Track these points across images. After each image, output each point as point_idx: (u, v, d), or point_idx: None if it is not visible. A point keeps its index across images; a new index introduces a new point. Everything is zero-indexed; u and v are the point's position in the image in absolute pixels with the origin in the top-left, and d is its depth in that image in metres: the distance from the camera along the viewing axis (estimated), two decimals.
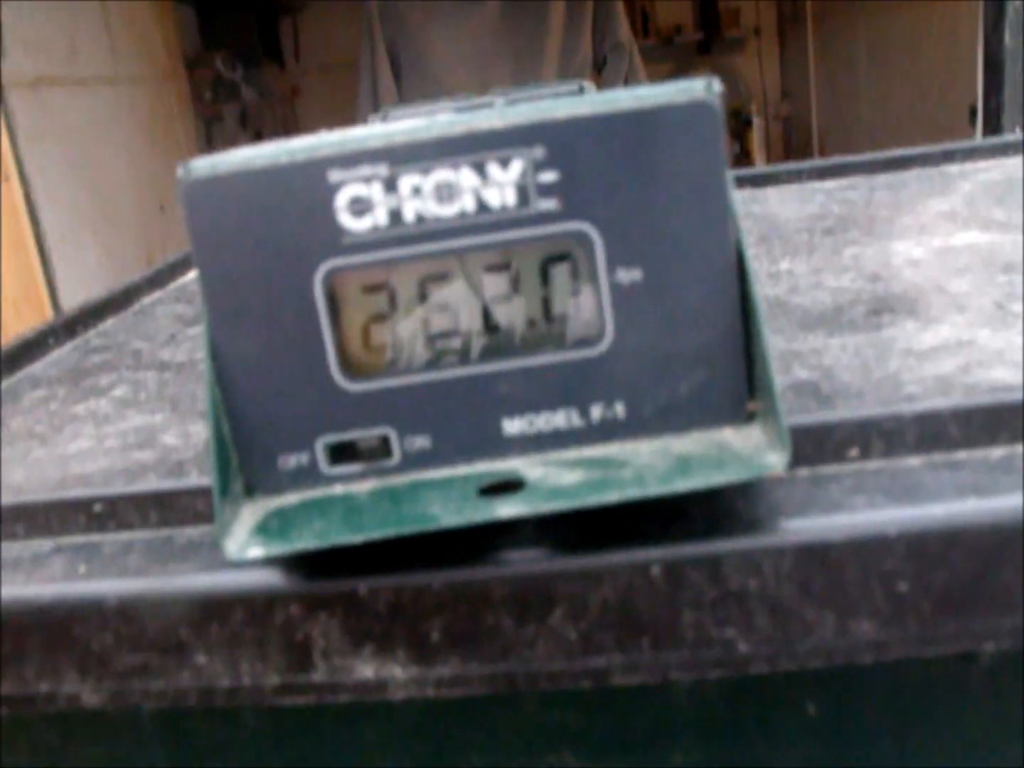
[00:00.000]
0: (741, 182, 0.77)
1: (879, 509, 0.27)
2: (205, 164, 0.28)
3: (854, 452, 0.30)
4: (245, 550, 0.27)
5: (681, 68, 4.36)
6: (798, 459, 0.29)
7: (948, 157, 0.75)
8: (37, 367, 0.56)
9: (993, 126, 1.51)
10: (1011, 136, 0.87)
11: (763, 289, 0.48)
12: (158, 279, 0.73)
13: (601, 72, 3.00)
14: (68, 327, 0.61)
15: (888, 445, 0.30)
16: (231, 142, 3.23)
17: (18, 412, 0.48)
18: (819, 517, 0.27)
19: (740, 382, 0.29)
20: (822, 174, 0.76)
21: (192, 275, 0.74)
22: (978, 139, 1.17)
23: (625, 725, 0.32)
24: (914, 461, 0.29)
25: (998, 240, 0.51)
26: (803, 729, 0.31)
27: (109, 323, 0.65)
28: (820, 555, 0.26)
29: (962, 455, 0.29)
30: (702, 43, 4.35)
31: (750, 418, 0.29)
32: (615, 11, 2.96)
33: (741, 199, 0.70)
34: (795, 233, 0.60)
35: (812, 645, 0.27)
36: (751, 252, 0.32)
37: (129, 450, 0.40)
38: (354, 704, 0.29)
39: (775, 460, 0.27)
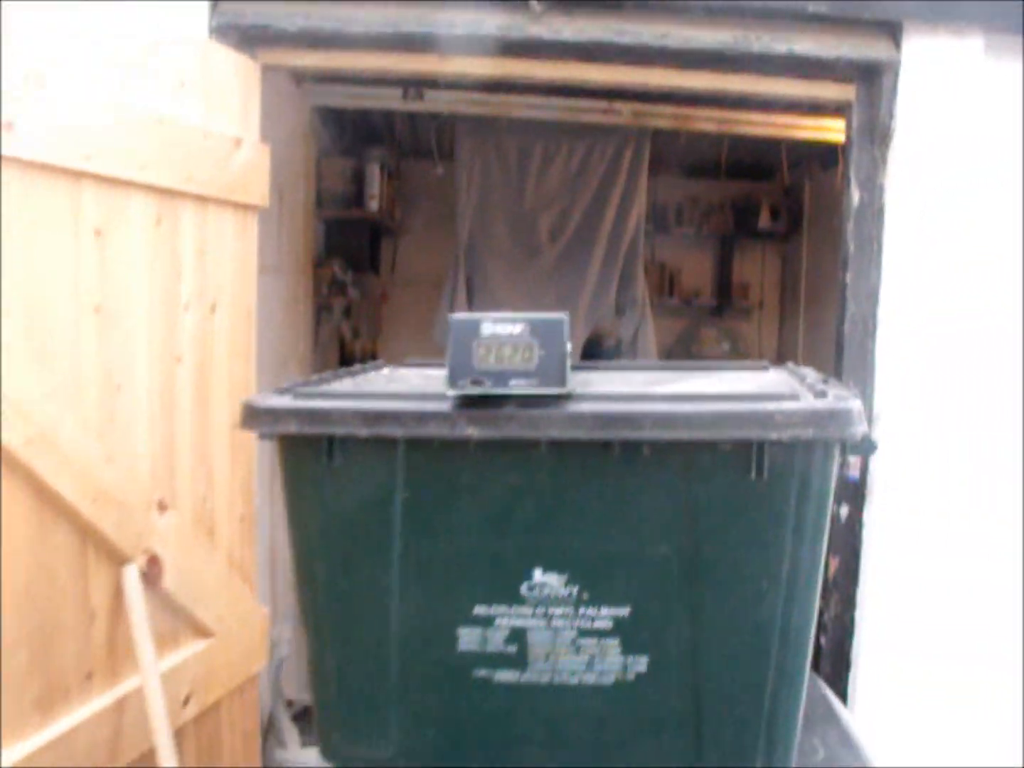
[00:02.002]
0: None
1: None
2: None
3: None
4: None
5: (695, 326, 5.64)
6: None
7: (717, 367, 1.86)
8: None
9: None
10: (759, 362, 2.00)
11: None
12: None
13: (620, 318, 4.24)
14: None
15: None
16: (335, 327, 4.48)
17: None
18: None
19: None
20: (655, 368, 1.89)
21: None
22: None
23: None
24: None
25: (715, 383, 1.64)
26: None
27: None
28: None
29: None
30: (715, 307, 5.64)
31: None
32: (637, 274, 4.24)
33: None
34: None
35: None
36: None
37: None
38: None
39: None
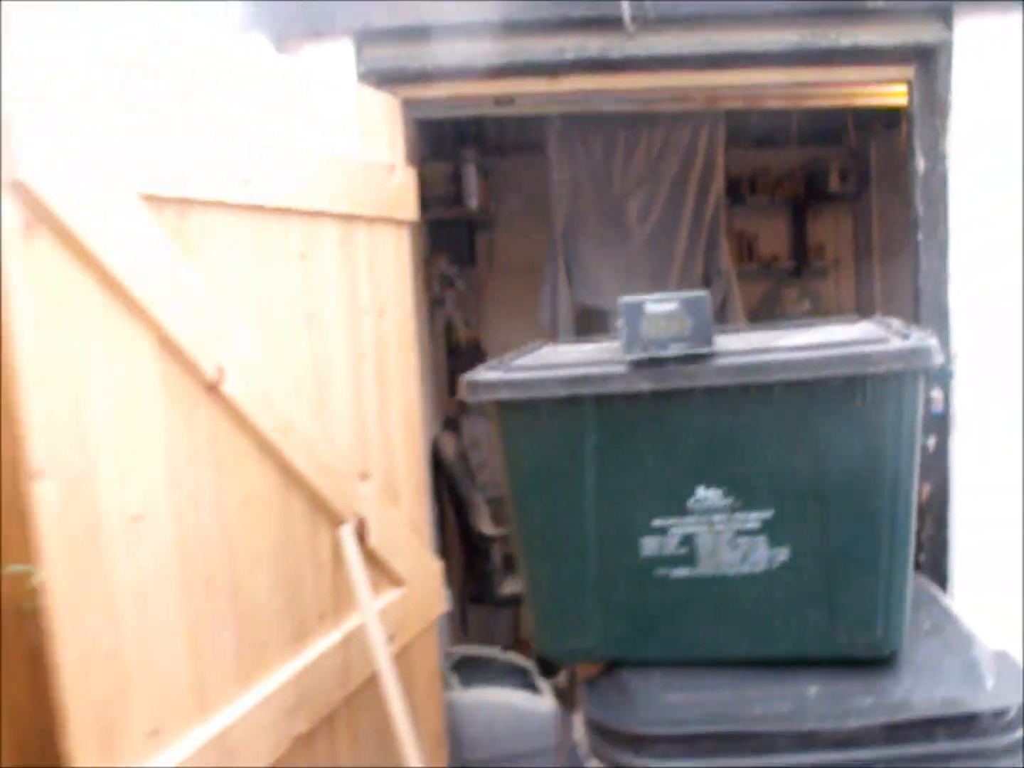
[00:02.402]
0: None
1: None
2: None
3: None
4: None
5: (776, 288, 5.99)
6: None
7: None
8: None
9: None
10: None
11: None
12: None
13: (708, 288, 4.63)
14: None
15: None
16: (447, 318, 4.93)
17: None
18: None
19: None
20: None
21: None
22: None
23: None
24: None
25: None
26: None
27: None
28: None
29: None
30: (793, 269, 5.99)
31: None
32: (721, 245, 4.63)
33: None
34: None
35: None
36: None
37: None
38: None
39: None
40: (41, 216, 1.52)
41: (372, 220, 2.51)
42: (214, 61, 1.98)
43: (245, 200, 2.00)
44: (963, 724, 1.63)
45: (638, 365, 1.69)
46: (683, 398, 1.70)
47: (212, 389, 1.88)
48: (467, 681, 3.43)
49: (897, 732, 1.62)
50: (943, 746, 1.61)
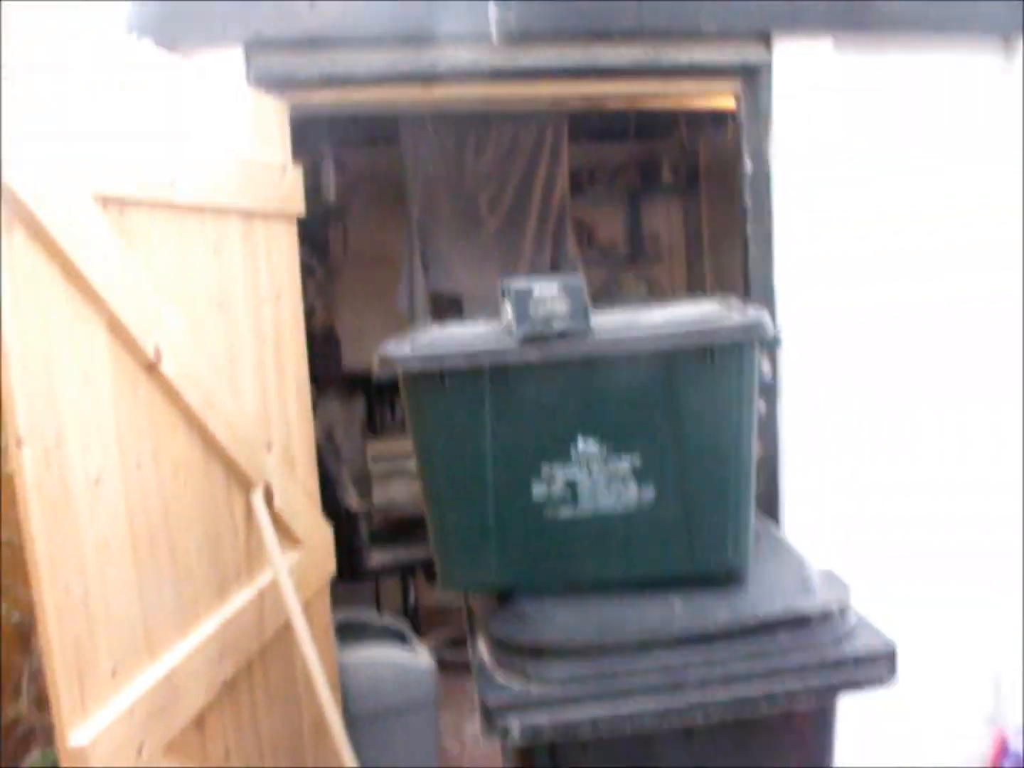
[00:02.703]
0: None
1: None
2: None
3: None
4: None
5: (614, 273, 6.46)
6: None
7: None
8: None
9: None
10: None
11: None
12: None
13: (556, 273, 5.04)
14: None
15: None
16: (309, 305, 5.17)
17: None
18: None
19: None
20: None
21: None
22: None
23: None
24: None
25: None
26: None
27: None
28: None
29: None
30: (629, 256, 6.46)
31: None
32: (567, 234, 5.04)
33: None
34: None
35: None
36: None
37: None
38: None
39: None
40: (19, 214, 1.76)
41: (268, 216, 2.79)
42: (141, 68, 2.23)
43: (170, 199, 2.26)
44: (799, 625, 2.04)
45: (528, 340, 2.04)
46: (565, 367, 2.05)
47: (151, 368, 2.14)
48: (348, 643, 3.72)
49: (747, 634, 2.02)
50: (784, 642, 2.01)
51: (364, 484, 5.18)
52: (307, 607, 2.91)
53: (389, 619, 4.13)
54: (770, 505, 3.25)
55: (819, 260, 3.20)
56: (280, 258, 2.88)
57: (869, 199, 3.21)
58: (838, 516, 3.25)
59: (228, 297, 2.54)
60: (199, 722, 2.31)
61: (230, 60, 2.91)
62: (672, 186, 6.27)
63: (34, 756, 2.89)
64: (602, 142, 6.15)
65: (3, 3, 1.73)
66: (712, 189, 5.89)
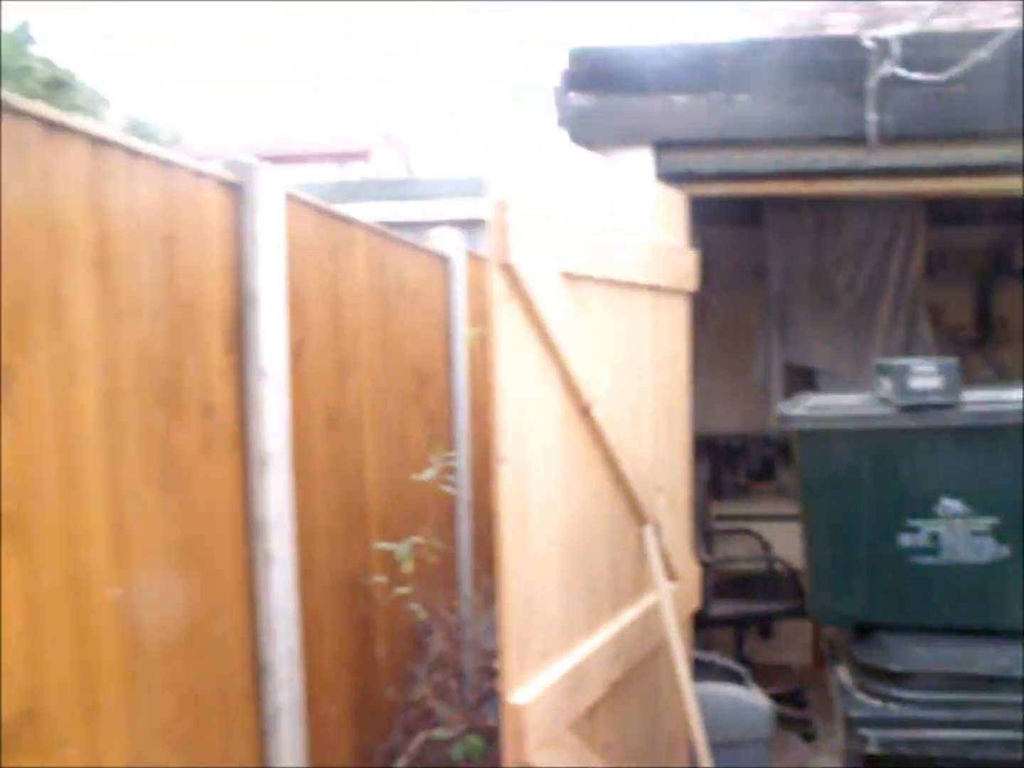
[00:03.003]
0: None
1: None
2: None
3: None
4: None
5: (959, 357, 6.55)
6: None
7: None
8: None
9: None
10: None
11: None
12: None
13: (908, 353, 5.28)
14: None
15: None
16: None
17: None
18: None
19: None
20: None
21: None
22: None
23: None
24: None
25: None
26: None
27: None
28: None
29: None
30: (977, 339, 6.56)
31: None
32: (920, 316, 5.29)
33: None
34: None
35: None
36: None
37: None
38: None
39: None
40: (515, 287, 2.33)
41: (669, 291, 3.29)
42: (585, 171, 2.80)
43: (606, 275, 2.80)
44: None
45: (905, 409, 2.41)
46: (937, 434, 2.41)
47: (585, 412, 2.67)
48: (694, 677, 4.13)
49: None
50: None
51: (707, 540, 5.58)
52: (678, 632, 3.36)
53: (730, 662, 4.50)
54: None
55: None
56: (676, 327, 3.38)
57: None
58: None
59: (637, 358, 3.05)
60: (592, 712, 2.78)
61: (641, 159, 3.46)
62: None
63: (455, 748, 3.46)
64: (956, 226, 6.31)
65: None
66: None
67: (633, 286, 3.01)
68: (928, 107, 3.38)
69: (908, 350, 5.31)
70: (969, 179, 3.52)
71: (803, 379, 5.66)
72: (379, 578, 3.55)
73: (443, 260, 4.50)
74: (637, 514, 3.06)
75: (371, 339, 3.63)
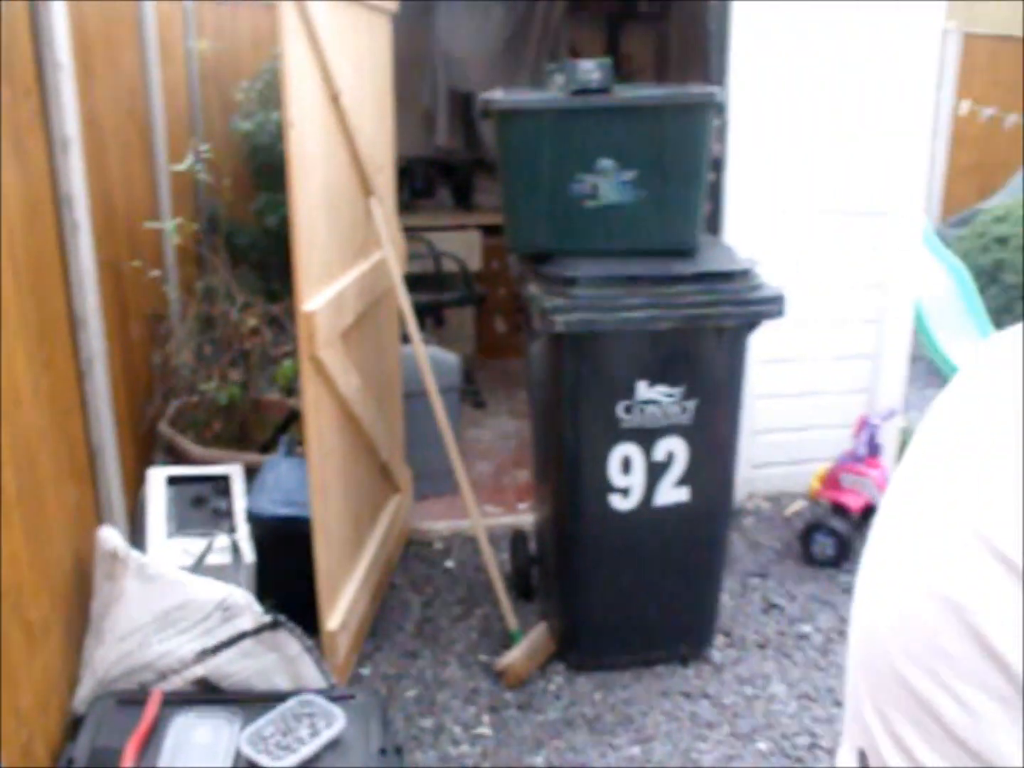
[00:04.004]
0: None
1: None
2: None
3: None
4: None
5: None
6: None
7: None
8: None
9: None
10: None
11: None
12: None
13: None
14: None
15: None
16: None
17: None
18: None
19: None
20: None
21: None
22: None
23: None
24: None
25: None
26: None
27: None
28: None
29: None
30: None
31: None
32: (561, 50, 6.42)
33: None
34: None
35: None
36: None
37: None
38: None
39: None
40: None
41: (380, 10, 4.13)
42: None
43: None
44: (727, 277, 3.53)
45: (575, 93, 3.46)
46: (596, 111, 3.48)
47: (335, 99, 3.53)
48: None
49: (697, 279, 3.51)
50: (719, 285, 3.51)
51: None
52: (387, 292, 4.39)
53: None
54: (714, 223, 4.75)
55: (762, 70, 4.63)
56: (384, 41, 4.27)
57: (802, 41, 4.64)
58: (756, 231, 4.76)
59: (362, 63, 3.91)
60: (346, 334, 3.76)
61: None
62: (647, 14, 7.60)
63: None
64: None
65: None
66: (682, 18, 7.22)
67: (358, 2, 3.83)
68: None
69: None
70: None
71: (464, 103, 6.68)
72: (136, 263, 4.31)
73: None
74: (366, 187, 3.99)
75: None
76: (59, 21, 3.13)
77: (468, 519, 4.16)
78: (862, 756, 0.70)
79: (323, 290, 3.45)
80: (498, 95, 3.50)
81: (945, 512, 0.68)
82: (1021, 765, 0.61)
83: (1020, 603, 0.60)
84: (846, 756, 0.73)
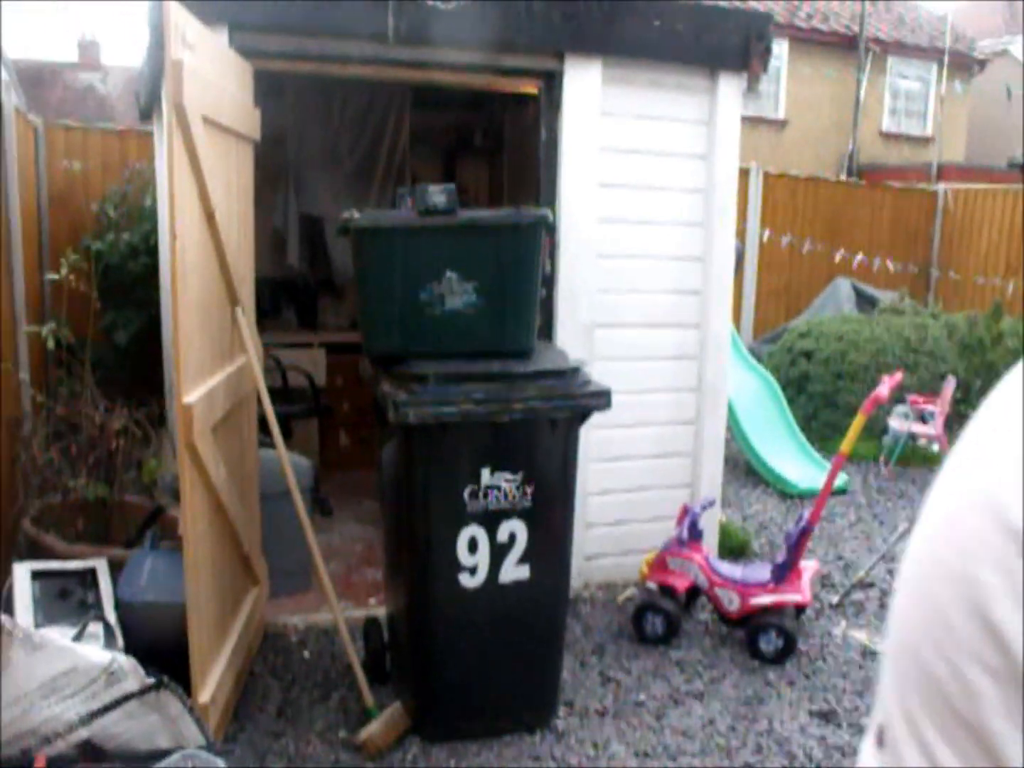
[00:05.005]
0: None
1: None
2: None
3: None
4: None
5: None
6: None
7: None
8: None
9: None
10: None
11: None
12: None
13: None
14: None
15: None
16: None
17: None
18: None
19: None
20: None
21: None
22: None
23: None
24: None
25: None
26: None
27: None
28: None
29: None
30: None
31: None
32: (406, 178, 7.04)
33: None
34: None
35: None
36: None
37: None
38: None
39: None
40: (182, 121, 3.61)
41: (245, 139, 4.66)
42: (203, 38, 4.08)
43: (219, 121, 4.12)
44: (560, 375, 4.10)
45: (423, 214, 4.03)
46: (442, 231, 4.05)
47: (211, 217, 4.01)
48: None
49: (533, 377, 4.07)
50: (552, 382, 4.06)
51: None
52: (250, 396, 4.81)
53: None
54: (548, 329, 5.35)
55: (585, 196, 5.32)
56: (246, 167, 4.78)
57: (616, 166, 5.36)
58: (586, 340, 5.37)
59: (229, 186, 4.41)
60: (216, 428, 4.17)
61: (221, 36, 4.76)
62: (482, 148, 8.34)
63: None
64: (433, 110, 8.14)
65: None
66: (513, 153, 7.98)
67: (229, 131, 4.35)
68: (432, 21, 4.99)
69: (395, 205, 7.03)
70: (452, 72, 5.22)
71: (312, 227, 7.23)
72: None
73: None
74: (232, 296, 4.45)
75: None
76: None
77: (321, 613, 4.53)
78: (880, 732, 0.70)
79: (199, 385, 3.87)
80: (356, 215, 4.03)
81: (955, 480, 0.68)
82: (1019, 753, 0.59)
83: (1021, 573, 0.59)
84: (868, 737, 0.73)
